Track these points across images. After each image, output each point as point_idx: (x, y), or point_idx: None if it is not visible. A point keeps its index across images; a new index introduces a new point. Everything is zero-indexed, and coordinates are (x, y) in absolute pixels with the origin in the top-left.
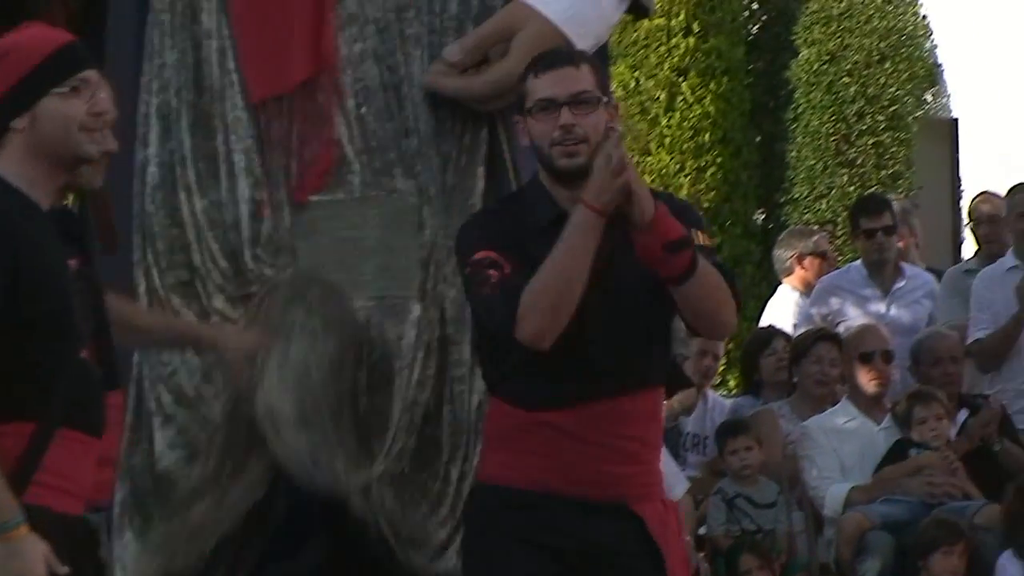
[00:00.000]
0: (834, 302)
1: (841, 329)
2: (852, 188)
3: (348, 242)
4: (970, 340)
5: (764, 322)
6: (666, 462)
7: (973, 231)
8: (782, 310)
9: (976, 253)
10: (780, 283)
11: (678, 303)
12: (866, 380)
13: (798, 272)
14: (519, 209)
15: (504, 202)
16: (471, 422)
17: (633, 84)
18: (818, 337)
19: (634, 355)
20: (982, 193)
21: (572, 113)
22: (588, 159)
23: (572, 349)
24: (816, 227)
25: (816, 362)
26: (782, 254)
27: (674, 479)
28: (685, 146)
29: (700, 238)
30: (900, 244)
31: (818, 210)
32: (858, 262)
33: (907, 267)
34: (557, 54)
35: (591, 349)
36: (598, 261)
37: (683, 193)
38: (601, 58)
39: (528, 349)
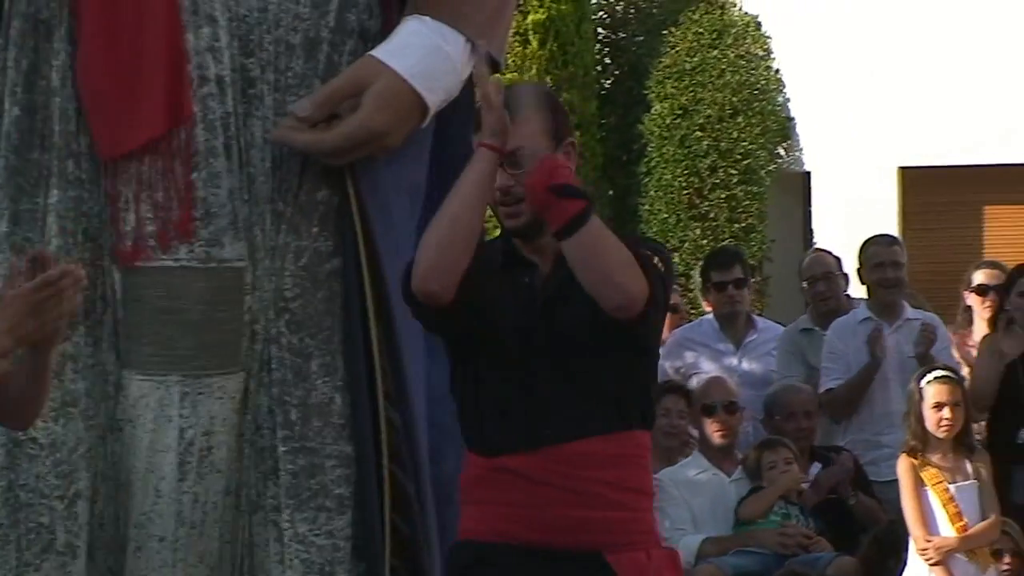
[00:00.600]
0: (688, 355)
1: (693, 382)
2: (705, 242)
3: (168, 313)
4: (822, 390)
5: None
6: None
7: (808, 289)
8: None
9: (808, 310)
10: None
11: (570, 262)
12: (711, 431)
13: None
14: (482, 251)
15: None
16: None
17: None
18: (665, 389)
19: (590, 395)
20: (815, 250)
21: (509, 174)
22: (531, 216)
23: (521, 389)
24: None
25: (664, 415)
26: None
27: None
28: None
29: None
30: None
31: None
32: (710, 315)
33: (759, 320)
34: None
35: (540, 389)
36: (544, 295)
37: None
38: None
39: (475, 388)
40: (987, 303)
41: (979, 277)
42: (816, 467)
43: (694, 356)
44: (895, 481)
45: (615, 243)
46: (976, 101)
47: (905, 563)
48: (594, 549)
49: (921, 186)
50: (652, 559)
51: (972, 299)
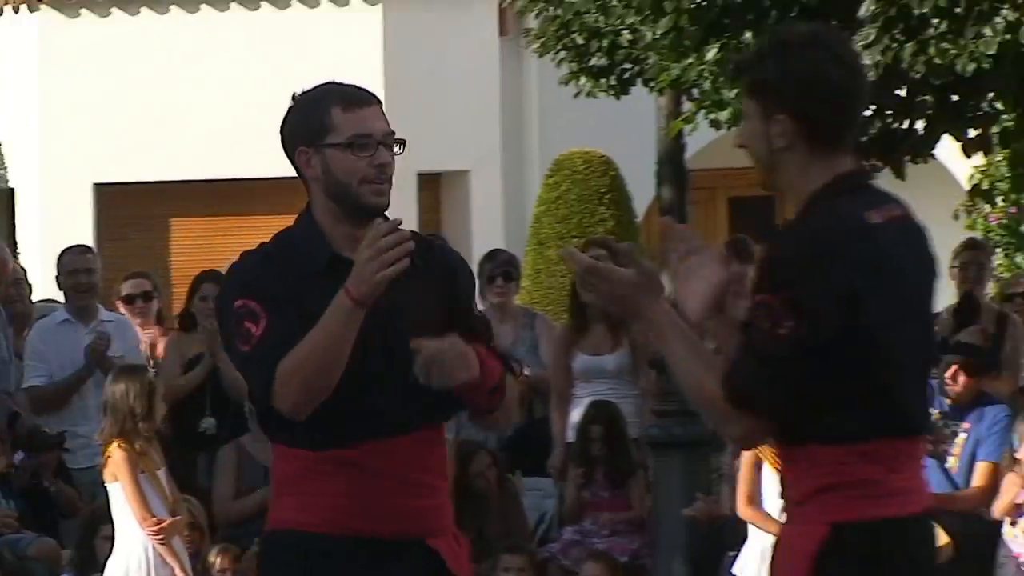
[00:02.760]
0: None
1: None
2: None
3: None
4: (26, 385)
5: None
6: None
7: None
8: None
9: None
10: None
11: (481, 419)
12: None
13: None
14: (292, 251)
15: (278, 243)
16: None
17: None
18: None
19: (421, 391)
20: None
21: (386, 152)
22: (389, 196)
23: (356, 388)
24: None
25: None
26: None
27: None
28: None
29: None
30: None
31: None
32: None
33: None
34: (362, 91)
35: (374, 388)
36: (378, 299)
37: None
38: None
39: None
40: (136, 309)
41: (126, 287)
42: (20, 455)
43: None
44: (92, 468)
45: (510, 388)
46: (161, 127)
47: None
48: (418, 535)
49: (114, 201)
50: (459, 542)
51: (123, 307)
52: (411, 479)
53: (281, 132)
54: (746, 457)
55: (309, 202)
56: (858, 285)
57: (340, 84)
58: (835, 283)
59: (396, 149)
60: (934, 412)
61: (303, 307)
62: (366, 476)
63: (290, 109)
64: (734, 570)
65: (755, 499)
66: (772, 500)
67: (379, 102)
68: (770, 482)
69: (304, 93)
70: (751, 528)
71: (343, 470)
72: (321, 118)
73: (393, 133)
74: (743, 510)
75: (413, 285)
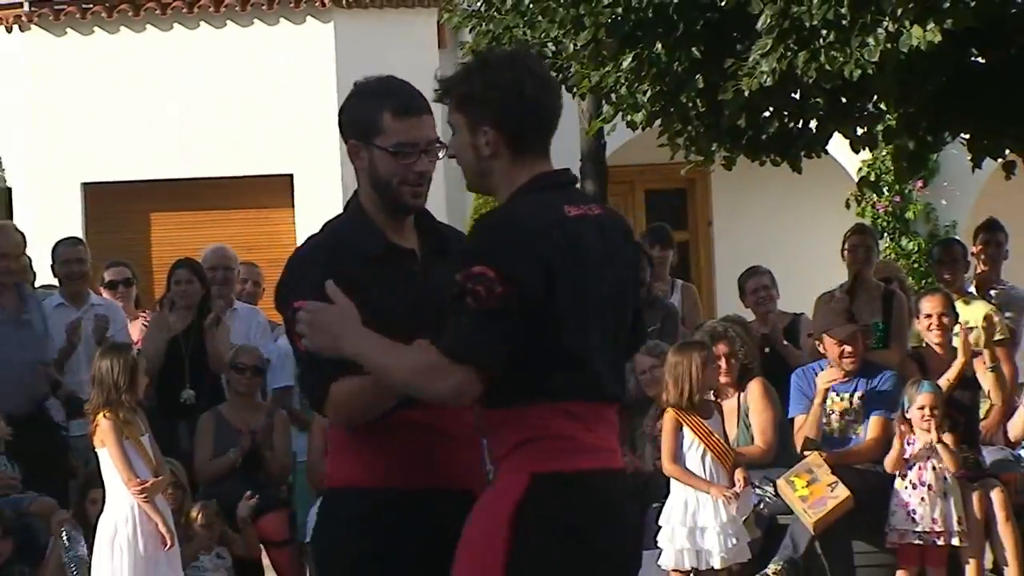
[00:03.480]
0: None
1: None
2: None
3: None
4: None
5: None
6: None
7: None
8: None
9: None
10: None
11: None
12: None
13: None
14: (345, 241)
15: (332, 234)
16: None
17: None
18: None
19: None
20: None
21: (427, 160)
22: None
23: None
24: None
25: None
26: None
27: None
28: None
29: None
30: None
31: None
32: None
33: None
34: (415, 98)
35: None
36: (419, 265)
37: None
38: None
39: None
40: (117, 294)
41: (108, 275)
42: None
43: None
44: (85, 435)
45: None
46: (140, 132)
47: None
48: (469, 488)
49: (99, 198)
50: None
51: (105, 293)
52: (466, 435)
53: (340, 115)
54: (668, 421)
55: (357, 190)
56: (555, 265)
57: (399, 85)
58: (536, 258)
59: (439, 155)
60: (842, 399)
61: (362, 290)
62: (433, 435)
63: (349, 96)
64: (660, 522)
65: (677, 457)
66: (691, 458)
67: (429, 111)
68: (688, 441)
69: (364, 83)
70: (673, 483)
71: (411, 429)
72: (373, 118)
73: (437, 140)
74: (667, 466)
75: (446, 270)
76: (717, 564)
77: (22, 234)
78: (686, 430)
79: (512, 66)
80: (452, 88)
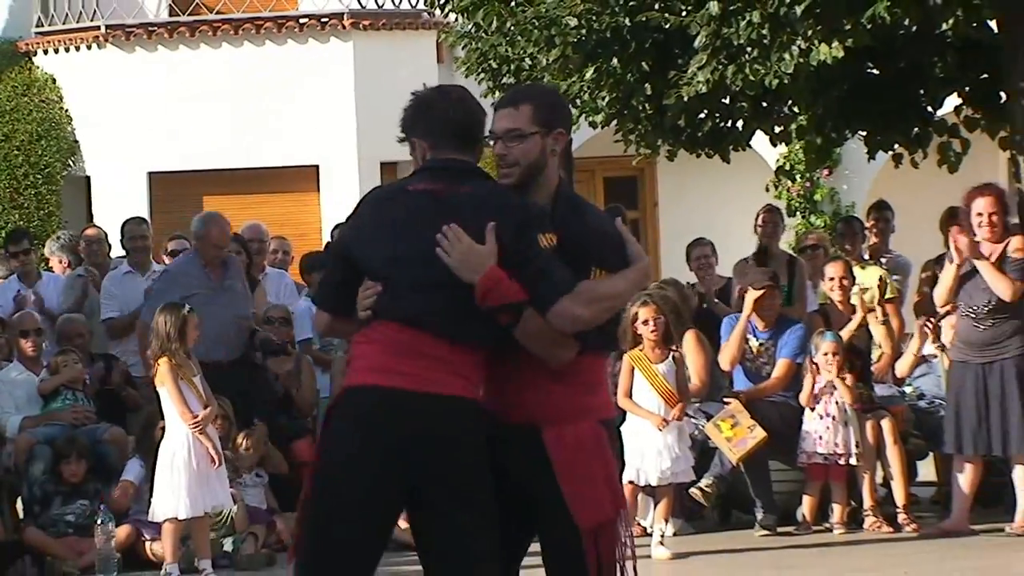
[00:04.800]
0: None
1: None
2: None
3: None
4: (103, 319)
5: None
6: None
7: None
8: None
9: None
10: None
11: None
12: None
13: None
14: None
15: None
16: None
17: None
18: None
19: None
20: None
21: (505, 145)
22: (520, 178)
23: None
24: None
25: None
26: None
27: None
28: None
29: (544, 240)
30: None
31: None
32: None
33: None
34: (503, 98)
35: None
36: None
37: None
38: None
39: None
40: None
41: (171, 245)
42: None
43: None
44: (148, 376)
45: (537, 329)
46: (196, 129)
47: None
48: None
49: (161, 184)
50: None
51: (167, 259)
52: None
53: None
54: (625, 362)
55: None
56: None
57: (511, 86)
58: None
59: (511, 144)
60: (760, 344)
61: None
62: (516, 372)
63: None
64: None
65: (630, 393)
66: (642, 394)
67: (515, 104)
68: (639, 380)
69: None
70: (628, 415)
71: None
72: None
73: (513, 129)
74: (622, 400)
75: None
76: (653, 481)
77: (222, 226)
78: (637, 371)
79: (442, 98)
80: (409, 120)
